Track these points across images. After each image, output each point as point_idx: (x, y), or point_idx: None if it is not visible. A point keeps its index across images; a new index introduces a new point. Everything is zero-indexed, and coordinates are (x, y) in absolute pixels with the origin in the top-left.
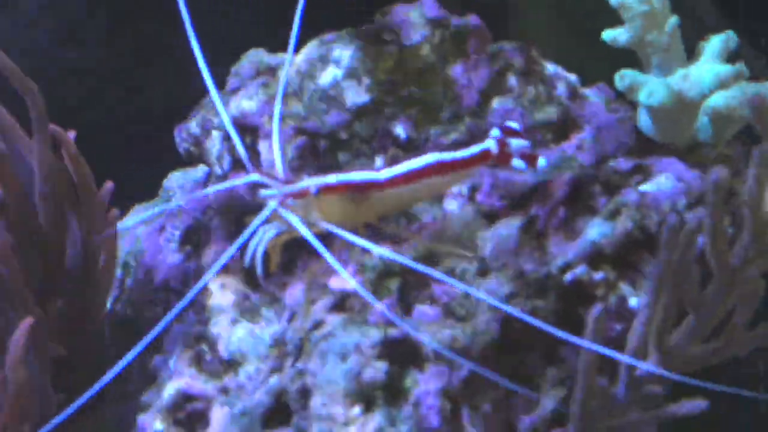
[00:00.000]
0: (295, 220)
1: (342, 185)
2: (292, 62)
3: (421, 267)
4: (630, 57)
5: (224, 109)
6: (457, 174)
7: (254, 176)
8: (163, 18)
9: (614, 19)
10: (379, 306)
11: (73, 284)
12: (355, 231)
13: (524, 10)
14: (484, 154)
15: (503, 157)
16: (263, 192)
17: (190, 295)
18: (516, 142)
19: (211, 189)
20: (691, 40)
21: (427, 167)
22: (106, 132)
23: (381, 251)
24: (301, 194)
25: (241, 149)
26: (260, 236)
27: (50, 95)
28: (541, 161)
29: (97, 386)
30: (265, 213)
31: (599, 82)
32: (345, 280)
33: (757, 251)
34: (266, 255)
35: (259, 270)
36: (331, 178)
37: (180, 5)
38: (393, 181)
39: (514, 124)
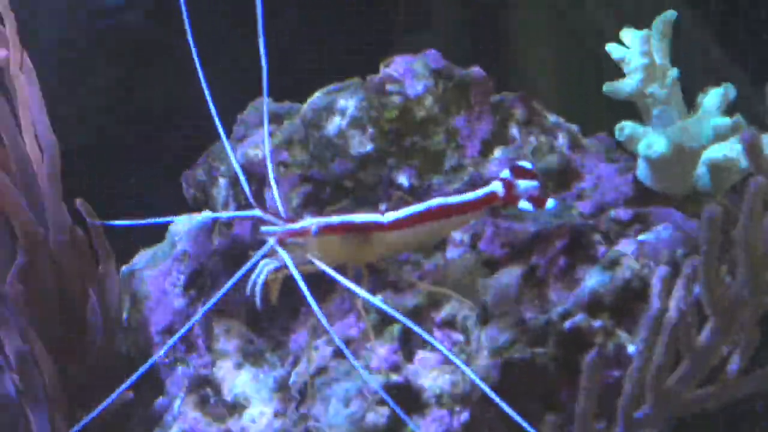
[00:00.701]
0: (287, 258)
1: (343, 226)
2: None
3: (409, 322)
4: (630, 107)
5: (233, 153)
6: (462, 217)
7: (257, 212)
8: (172, 68)
9: (614, 70)
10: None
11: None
12: (358, 272)
13: (525, 60)
14: (491, 197)
15: (510, 198)
16: (263, 228)
17: (184, 329)
18: (524, 184)
19: (209, 215)
20: (693, 79)
21: (431, 210)
22: (114, 176)
23: (371, 299)
24: (302, 233)
25: (245, 186)
26: (260, 269)
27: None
28: (550, 203)
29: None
30: (263, 250)
31: (600, 133)
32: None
33: (752, 291)
34: (266, 287)
35: (258, 302)
36: (333, 219)
37: (193, 56)
38: (396, 224)
39: (526, 164)
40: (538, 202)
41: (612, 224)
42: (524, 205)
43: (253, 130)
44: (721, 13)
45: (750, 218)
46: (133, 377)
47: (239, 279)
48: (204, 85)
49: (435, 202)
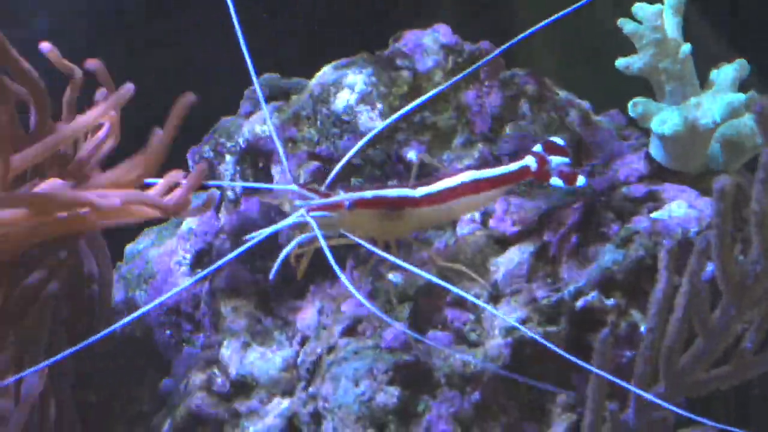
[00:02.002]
0: (316, 230)
1: (376, 200)
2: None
3: (442, 282)
4: (642, 84)
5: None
6: (494, 191)
7: (293, 186)
8: (180, 38)
9: (627, 46)
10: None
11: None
12: (386, 247)
13: (534, 37)
14: (523, 171)
15: (542, 174)
16: (299, 202)
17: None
18: (556, 160)
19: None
20: (701, 68)
21: (464, 185)
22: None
23: (408, 267)
24: (336, 207)
25: (281, 151)
26: (291, 240)
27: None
28: (581, 180)
29: None
30: (291, 219)
31: (611, 109)
32: (357, 305)
33: (766, 265)
34: (295, 260)
35: (271, 275)
36: (367, 193)
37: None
38: (429, 199)
39: (558, 140)
40: (569, 178)
41: (625, 202)
42: (555, 181)
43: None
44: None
45: (764, 190)
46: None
47: (251, 247)
48: (244, 49)
49: (468, 176)
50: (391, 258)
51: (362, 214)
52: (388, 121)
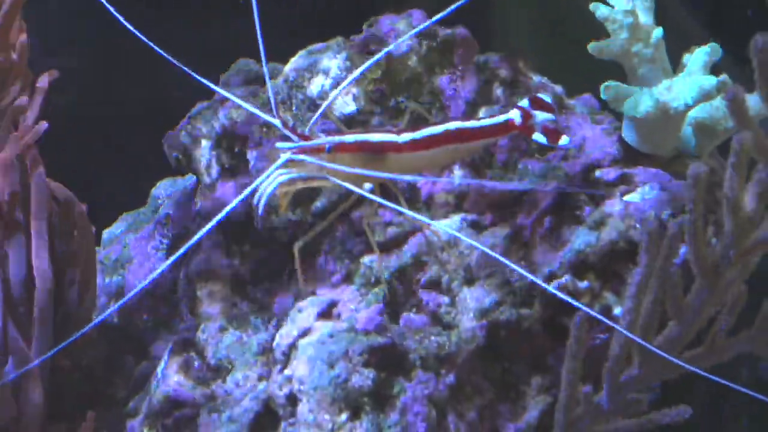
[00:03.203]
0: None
1: (358, 144)
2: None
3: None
4: (614, 68)
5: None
6: (477, 142)
7: (276, 122)
8: (154, 24)
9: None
10: None
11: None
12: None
13: (507, 22)
14: (507, 125)
15: (526, 129)
16: (279, 144)
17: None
18: (542, 116)
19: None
20: (674, 52)
21: (448, 133)
22: (95, 140)
23: (391, 205)
24: (317, 149)
25: (270, 92)
26: (272, 179)
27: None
28: (564, 140)
29: None
30: (278, 162)
31: (584, 93)
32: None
33: (738, 252)
34: (276, 198)
35: (260, 210)
36: (348, 137)
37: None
38: (412, 145)
39: (545, 96)
40: (552, 135)
41: (598, 185)
42: (538, 137)
43: (236, 90)
44: None
45: (736, 176)
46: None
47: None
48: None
49: (452, 125)
50: (379, 199)
51: (344, 158)
52: (342, 86)
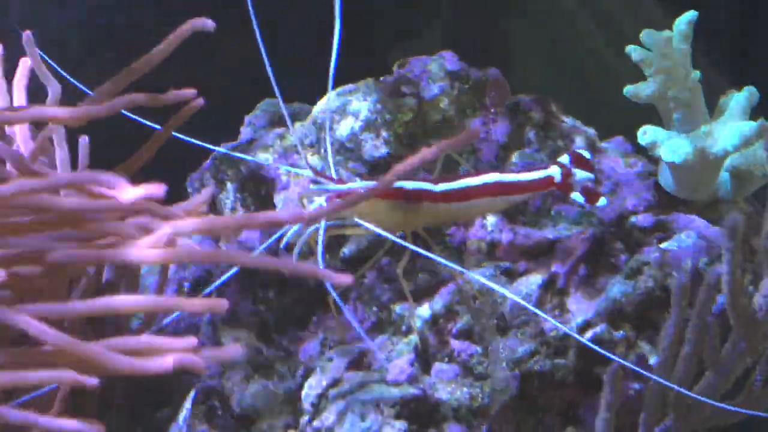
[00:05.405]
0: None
1: (393, 191)
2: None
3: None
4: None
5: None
6: (514, 197)
7: (308, 171)
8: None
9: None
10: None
11: None
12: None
13: (534, 62)
14: (547, 180)
15: (565, 186)
16: (314, 187)
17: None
18: (581, 174)
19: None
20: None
21: (486, 186)
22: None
23: (426, 254)
24: (351, 194)
25: (296, 139)
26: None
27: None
28: (602, 201)
29: None
30: (313, 207)
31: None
32: (361, 337)
33: None
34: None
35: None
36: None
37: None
38: (448, 195)
39: (585, 153)
40: (591, 196)
41: (633, 231)
42: (577, 196)
43: (262, 132)
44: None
45: None
46: None
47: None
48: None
49: (491, 177)
50: (413, 247)
51: (377, 204)
52: None
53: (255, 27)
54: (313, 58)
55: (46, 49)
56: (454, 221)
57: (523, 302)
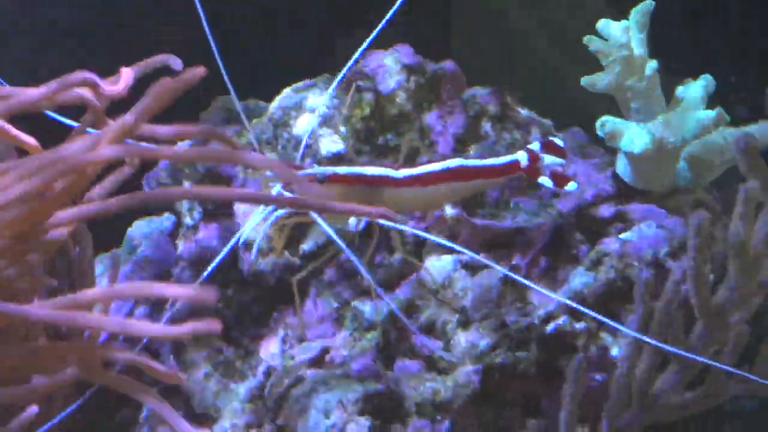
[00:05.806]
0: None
1: (352, 177)
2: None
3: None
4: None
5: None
6: (479, 182)
7: (271, 155)
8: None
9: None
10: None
11: None
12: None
13: (489, 51)
14: (513, 166)
15: (532, 171)
16: (270, 173)
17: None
18: (550, 159)
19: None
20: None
21: (448, 171)
22: None
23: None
24: (309, 180)
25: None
26: (267, 217)
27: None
28: (571, 185)
29: None
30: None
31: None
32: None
33: (742, 294)
34: (269, 239)
35: (253, 255)
36: (342, 169)
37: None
38: (410, 181)
39: (558, 141)
40: (559, 180)
41: (593, 222)
42: (545, 180)
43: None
44: None
45: (743, 224)
46: None
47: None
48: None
49: (454, 162)
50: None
51: (337, 190)
52: None
53: (204, 22)
54: (268, 54)
55: None
56: (418, 209)
57: (518, 277)
